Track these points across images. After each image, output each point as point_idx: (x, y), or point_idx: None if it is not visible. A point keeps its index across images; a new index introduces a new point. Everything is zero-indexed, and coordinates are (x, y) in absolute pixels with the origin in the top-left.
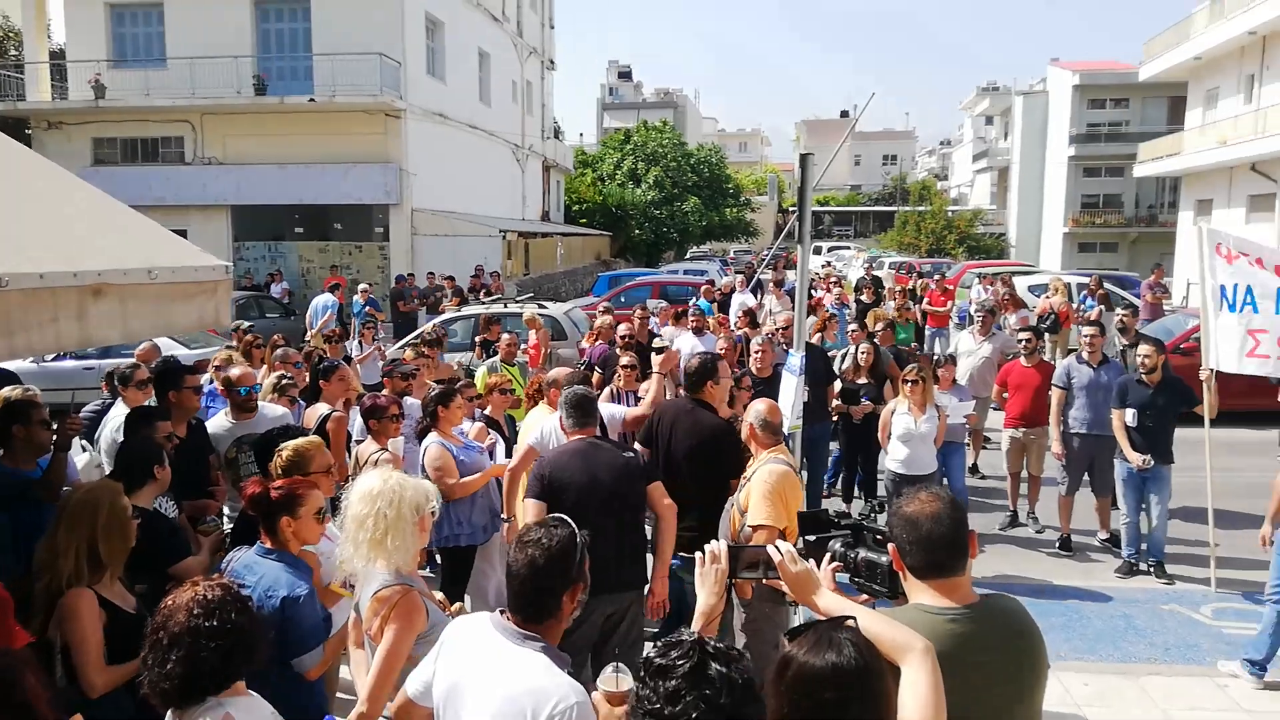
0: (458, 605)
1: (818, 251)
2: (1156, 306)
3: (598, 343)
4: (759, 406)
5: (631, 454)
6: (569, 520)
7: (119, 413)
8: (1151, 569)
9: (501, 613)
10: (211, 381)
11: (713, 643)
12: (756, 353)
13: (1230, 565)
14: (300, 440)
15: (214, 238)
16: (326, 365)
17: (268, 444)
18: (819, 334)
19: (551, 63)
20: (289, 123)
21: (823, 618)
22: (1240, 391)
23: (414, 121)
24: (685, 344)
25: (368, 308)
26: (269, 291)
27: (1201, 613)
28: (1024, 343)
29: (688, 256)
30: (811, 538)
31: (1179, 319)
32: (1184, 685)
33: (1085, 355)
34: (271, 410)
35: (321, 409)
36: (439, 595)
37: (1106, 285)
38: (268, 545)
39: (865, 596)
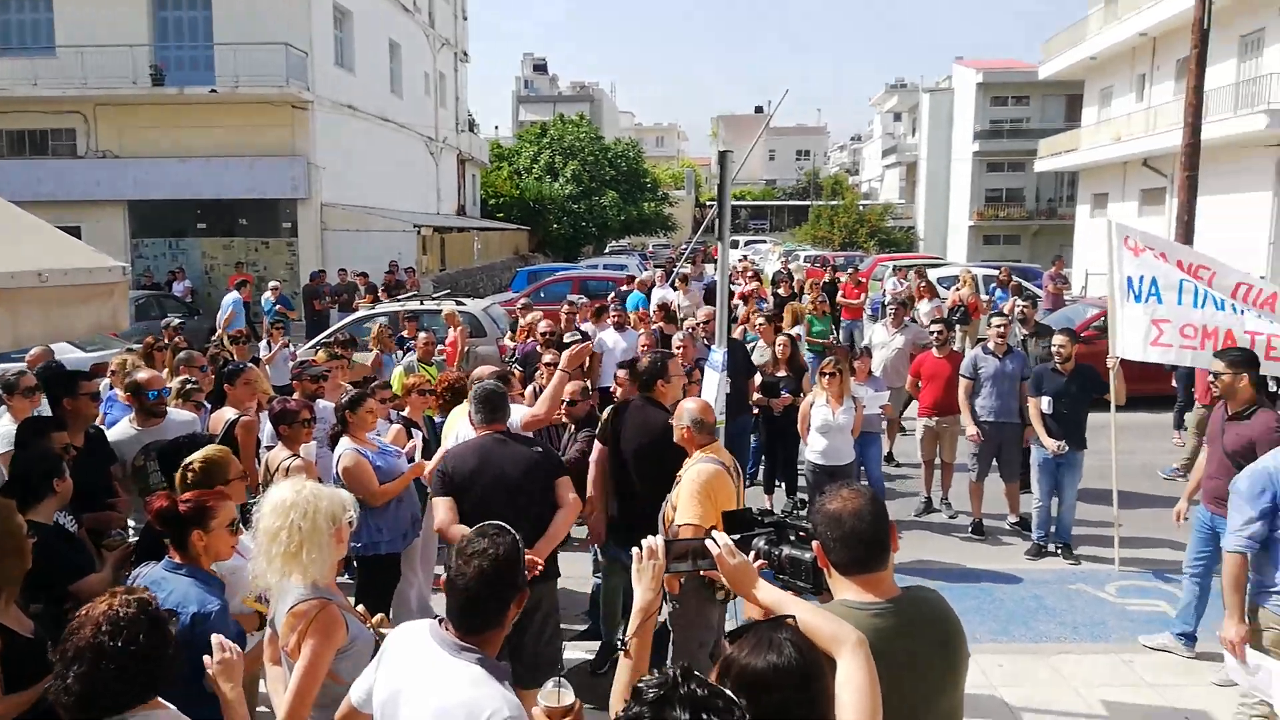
0: (379, 617)
1: (734, 245)
2: (1058, 297)
3: (528, 340)
4: (691, 406)
5: (539, 449)
6: (508, 527)
7: (2, 424)
8: (1059, 550)
9: (440, 622)
10: (111, 387)
11: (694, 685)
12: (677, 348)
13: (1131, 544)
14: (208, 450)
15: (110, 235)
16: (232, 368)
17: (174, 453)
18: (742, 327)
19: (465, 54)
20: (189, 115)
21: (760, 617)
22: (1135, 376)
23: (322, 113)
24: (608, 340)
25: (278, 306)
26: (170, 290)
27: (1107, 591)
28: (936, 334)
29: (607, 251)
30: (735, 536)
31: (1079, 308)
32: (1093, 663)
33: (991, 346)
34: (179, 416)
35: (228, 413)
36: (360, 608)
37: (1014, 277)
38: (177, 560)
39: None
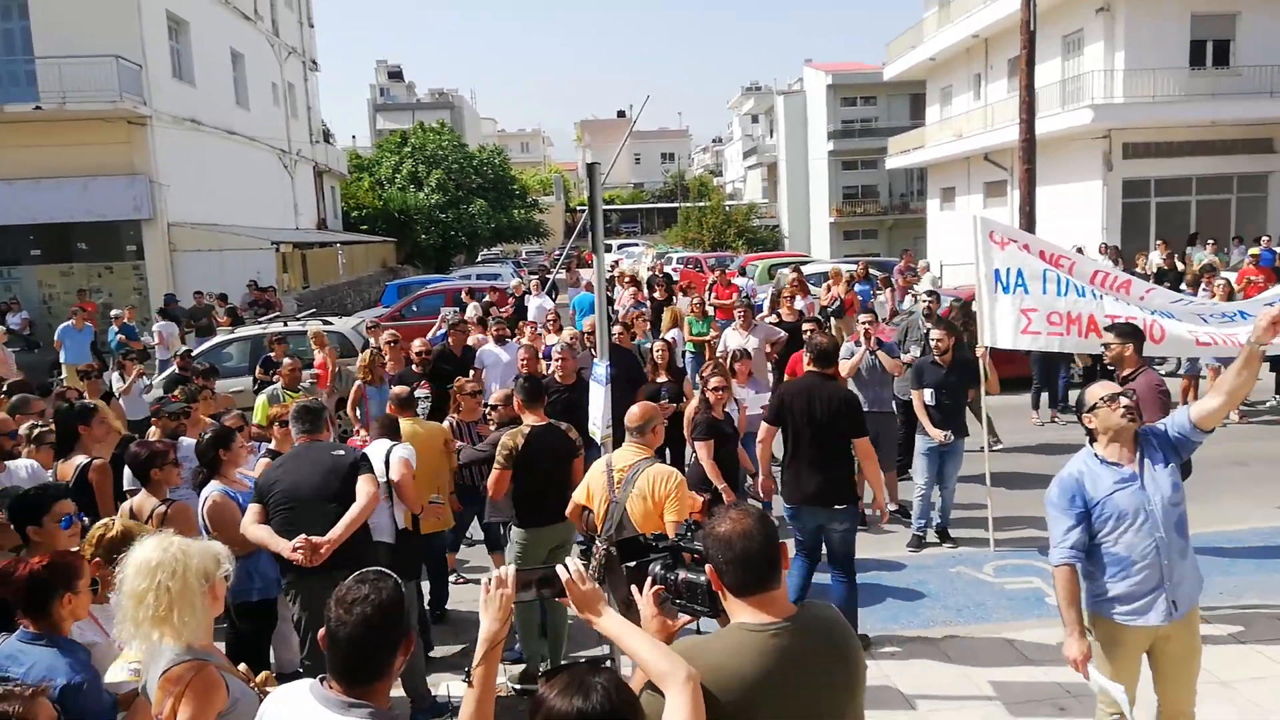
0: (265, 674)
1: (607, 249)
2: (906, 290)
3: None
4: (635, 411)
5: (342, 452)
6: (388, 571)
7: None
8: (938, 537)
9: (322, 680)
10: None
11: None
12: (556, 359)
13: (1003, 525)
14: (128, 525)
15: None
16: (84, 407)
17: (24, 505)
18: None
19: (314, 63)
20: (13, 134)
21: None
22: (994, 359)
23: (162, 128)
24: (495, 353)
25: (120, 335)
26: (5, 323)
27: (985, 572)
28: (810, 333)
29: (478, 260)
30: (631, 563)
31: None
32: (977, 645)
33: (860, 340)
34: (21, 463)
35: (78, 459)
36: (242, 666)
37: (873, 270)
38: (32, 630)
39: (687, 618)
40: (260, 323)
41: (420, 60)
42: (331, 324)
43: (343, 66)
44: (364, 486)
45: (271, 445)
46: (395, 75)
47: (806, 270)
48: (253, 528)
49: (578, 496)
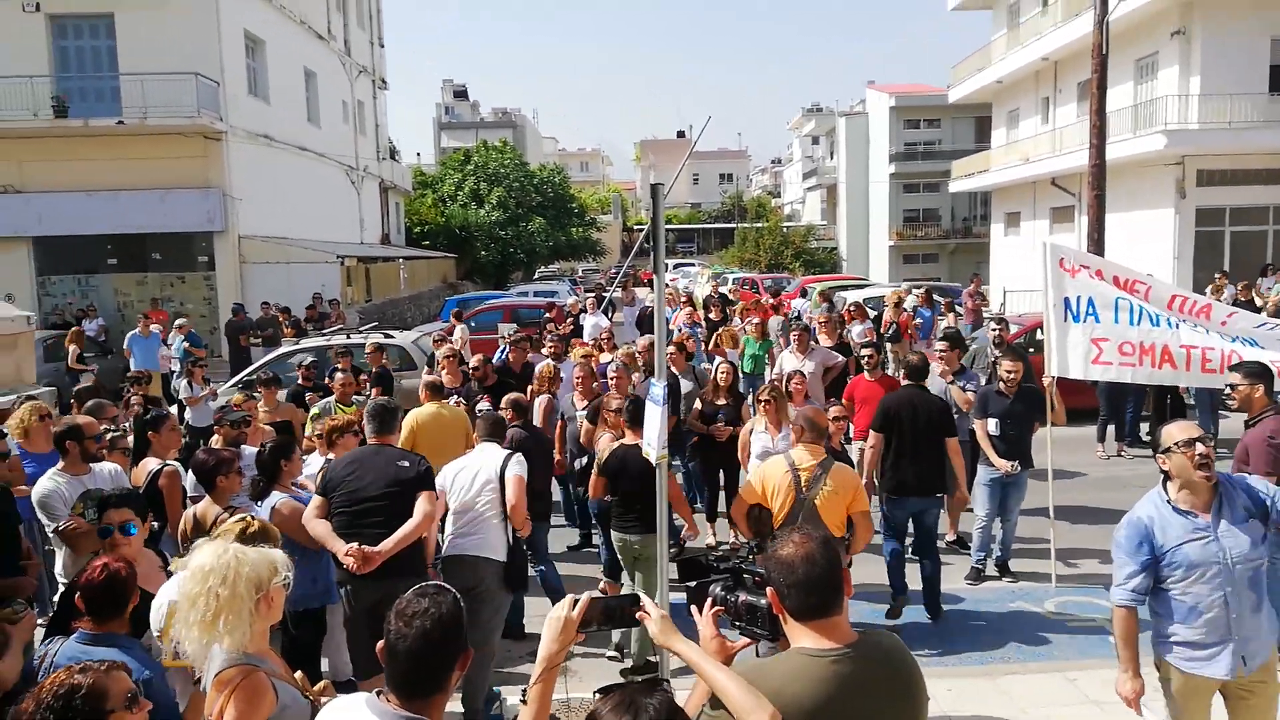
0: (323, 684)
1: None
2: (977, 314)
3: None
4: (806, 412)
5: (406, 464)
6: (447, 586)
7: None
8: (998, 571)
9: (378, 694)
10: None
11: None
12: (611, 379)
13: (1066, 559)
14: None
15: (13, 272)
16: (155, 414)
17: (109, 506)
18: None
19: (383, 82)
20: (96, 147)
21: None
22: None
23: (236, 144)
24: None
25: (185, 343)
26: (82, 329)
27: (1046, 607)
28: (867, 358)
29: (536, 277)
30: (692, 583)
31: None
32: (1038, 682)
33: (939, 370)
34: (105, 465)
35: (150, 464)
36: (298, 675)
37: (936, 295)
38: (92, 631)
39: (746, 641)
40: (324, 334)
41: (485, 80)
42: (393, 337)
43: (409, 85)
44: (422, 505)
45: (330, 456)
46: (460, 94)
47: (866, 294)
48: (314, 522)
49: (747, 496)
